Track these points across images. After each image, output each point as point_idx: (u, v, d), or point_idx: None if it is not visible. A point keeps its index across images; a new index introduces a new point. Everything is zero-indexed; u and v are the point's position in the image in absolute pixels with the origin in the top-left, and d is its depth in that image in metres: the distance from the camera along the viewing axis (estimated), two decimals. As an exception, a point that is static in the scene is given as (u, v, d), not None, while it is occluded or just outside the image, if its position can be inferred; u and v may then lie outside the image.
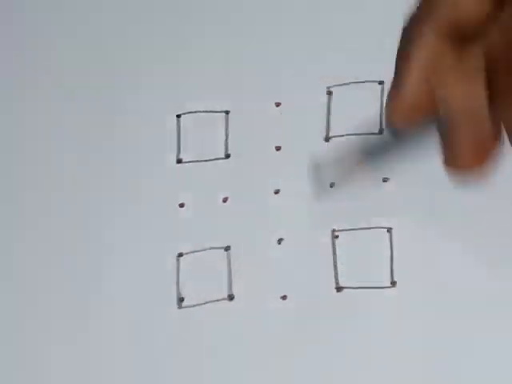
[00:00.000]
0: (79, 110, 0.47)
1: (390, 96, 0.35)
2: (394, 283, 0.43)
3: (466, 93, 0.34)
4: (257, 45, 0.46)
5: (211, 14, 0.47)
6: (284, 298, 0.43)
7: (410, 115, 0.35)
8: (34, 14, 0.48)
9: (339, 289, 0.43)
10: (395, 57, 0.35)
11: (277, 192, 0.45)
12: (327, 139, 0.45)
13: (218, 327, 0.43)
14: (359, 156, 0.40)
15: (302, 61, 0.46)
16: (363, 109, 0.45)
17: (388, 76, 0.45)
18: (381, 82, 0.45)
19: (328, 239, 0.44)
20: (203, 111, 0.46)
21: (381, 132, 0.45)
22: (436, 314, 0.42)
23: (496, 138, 0.35)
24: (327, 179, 0.43)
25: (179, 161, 0.46)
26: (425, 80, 0.34)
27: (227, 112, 0.46)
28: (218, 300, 0.43)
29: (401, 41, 0.35)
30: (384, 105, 0.35)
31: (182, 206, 0.45)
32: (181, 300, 0.44)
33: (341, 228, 0.44)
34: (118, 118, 0.46)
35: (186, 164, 0.46)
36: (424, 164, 0.44)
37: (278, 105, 0.46)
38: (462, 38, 0.34)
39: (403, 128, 0.36)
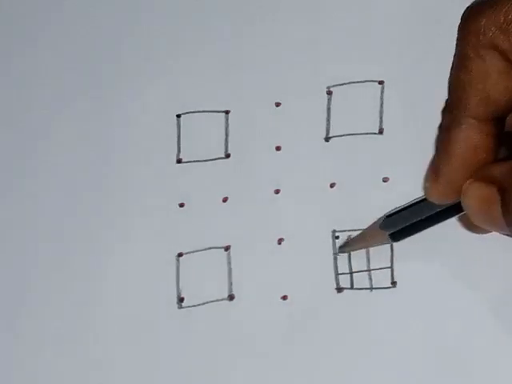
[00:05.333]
0: (79, 110, 0.46)
1: (429, 176, 0.36)
2: (394, 283, 0.43)
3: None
4: (257, 45, 0.46)
5: (211, 14, 0.47)
6: (284, 297, 0.43)
7: (447, 197, 0.36)
8: (34, 14, 0.48)
9: (339, 289, 0.43)
10: (436, 136, 0.36)
11: (277, 192, 0.45)
12: (327, 139, 0.45)
13: (218, 327, 0.43)
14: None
15: (302, 61, 0.46)
16: (363, 109, 0.45)
17: (388, 76, 0.45)
18: (381, 82, 0.45)
19: (328, 239, 0.44)
20: (203, 111, 0.46)
21: (381, 132, 0.45)
22: (436, 314, 0.42)
23: None
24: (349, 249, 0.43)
25: (179, 161, 0.46)
26: (464, 168, 0.35)
27: (227, 112, 0.46)
28: (217, 300, 0.43)
29: (440, 125, 0.36)
30: (424, 180, 0.36)
31: (181, 205, 0.45)
32: (181, 300, 0.44)
33: (341, 228, 0.44)
34: (118, 118, 0.46)
35: (186, 164, 0.45)
36: (424, 164, 0.44)
37: (277, 105, 0.46)
38: (496, 115, 0.34)
39: (442, 203, 0.37)
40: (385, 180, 0.44)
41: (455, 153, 0.35)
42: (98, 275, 0.44)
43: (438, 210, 0.38)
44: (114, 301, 0.44)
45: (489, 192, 0.34)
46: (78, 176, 0.46)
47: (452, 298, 0.42)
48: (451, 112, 0.35)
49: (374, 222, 0.41)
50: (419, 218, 0.39)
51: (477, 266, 0.42)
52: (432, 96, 0.44)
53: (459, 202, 0.36)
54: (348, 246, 0.43)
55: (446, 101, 0.36)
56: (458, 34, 0.35)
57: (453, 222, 0.42)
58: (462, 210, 0.36)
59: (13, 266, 0.45)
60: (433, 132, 0.44)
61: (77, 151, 0.46)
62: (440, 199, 0.36)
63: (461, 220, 0.39)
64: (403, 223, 0.39)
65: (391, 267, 0.43)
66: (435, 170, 0.36)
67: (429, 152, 0.44)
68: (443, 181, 0.36)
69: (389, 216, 0.40)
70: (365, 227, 0.43)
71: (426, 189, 0.37)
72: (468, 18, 0.35)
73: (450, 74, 0.35)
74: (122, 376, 0.43)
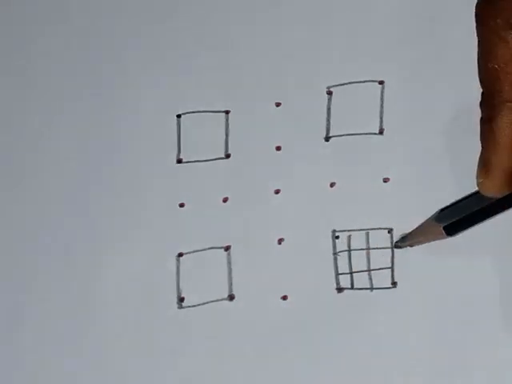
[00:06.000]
0: (79, 110, 0.47)
1: (480, 172, 0.35)
2: (394, 283, 0.43)
3: None
4: (257, 45, 0.46)
5: (211, 14, 0.47)
6: (284, 298, 0.43)
7: (504, 188, 0.35)
8: (34, 14, 0.48)
9: (340, 289, 0.43)
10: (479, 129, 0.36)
11: (277, 192, 0.45)
12: (327, 139, 0.45)
13: (218, 327, 0.43)
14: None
15: (302, 61, 0.46)
16: (363, 109, 0.45)
17: (388, 76, 0.45)
18: (381, 82, 0.45)
19: (328, 239, 0.44)
20: (203, 111, 0.46)
21: (381, 132, 0.45)
22: (436, 314, 0.42)
23: None
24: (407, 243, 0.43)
25: (179, 161, 0.46)
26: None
27: (227, 112, 0.46)
28: (217, 300, 0.43)
29: (481, 118, 0.36)
30: (476, 177, 0.36)
31: (182, 205, 0.45)
32: (181, 300, 0.44)
33: (341, 228, 0.44)
34: (118, 117, 0.46)
35: (186, 164, 0.45)
36: (424, 164, 0.44)
37: (278, 105, 0.46)
38: None
39: (497, 196, 0.36)
40: (385, 180, 0.44)
41: (501, 141, 0.34)
42: (98, 275, 0.44)
43: (491, 201, 0.37)
44: (114, 301, 0.44)
45: None
46: (78, 176, 0.46)
47: (452, 298, 0.42)
48: (488, 102, 0.35)
49: (431, 216, 0.40)
50: (474, 210, 0.38)
51: (477, 266, 0.42)
52: (432, 96, 0.44)
53: None
54: (405, 241, 0.42)
55: (482, 94, 0.35)
56: (476, 21, 0.35)
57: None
58: None
59: (13, 265, 0.45)
60: (433, 132, 0.44)
61: (77, 151, 0.46)
62: (496, 192, 0.35)
63: None
64: (458, 216, 0.39)
65: (391, 267, 0.43)
66: (485, 164, 0.35)
67: (429, 152, 0.44)
68: (495, 173, 0.35)
69: (443, 209, 0.39)
70: (365, 227, 0.43)
71: (479, 185, 0.36)
72: (482, 3, 0.34)
73: (478, 64, 0.35)
74: (122, 376, 0.43)
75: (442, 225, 0.39)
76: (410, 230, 0.42)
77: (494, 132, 0.34)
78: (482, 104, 0.35)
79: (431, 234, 0.40)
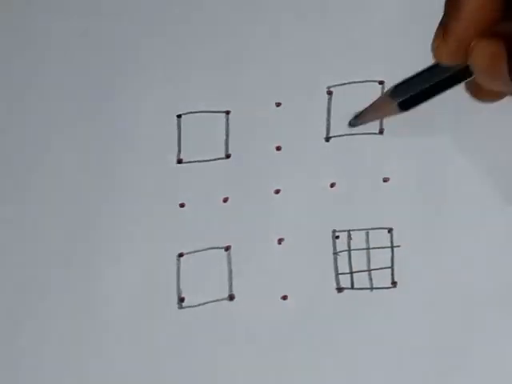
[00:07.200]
0: (79, 110, 0.47)
1: (437, 35, 0.36)
2: (394, 283, 0.43)
3: None
4: (257, 45, 0.46)
5: (211, 14, 0.47)
6: (284, 298, 0.43)
7: (455, 57, 0.35)
8: (34, 14, 0.48)
9: (340, 289, 0.43)
10: None
11: (277, 192, 0.45)
12: (327, 139, 0.45)
13: (218, 327, 0.43)
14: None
15: (302, 61, 0.46)
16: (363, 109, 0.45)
17: (388, 76, 0.45)
18: (381, 82, 0.45)
19: (328, 239, 0.44)
20: (203, 111, 0.46)
21: (381, 132, 0.45)
22: (436, 314, 0.42)
23: None
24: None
25: (179, 161, 0.46)
26: (472, 26, 0.35)
27: (227, 112, 0.46)
28: (217, 300, 0.43)
29: None
30: (432, 40, 0.36)
31: (182, 205, 0.45)
32: (181, 300, 0.44)
33: (341, 228, 0.44)
34: (119, 118, 0.46)
35: (186, 164, 0.46)
36: (424, 164, 0.44)
37: (278, 105, 0.46)
38: None
39: (450, 64, 0.36)
40: (385, 180, 0.44)
41: (464, 10, 0.34)
42: (99, 275, 0.44)
43: (447, 75, 0.37)
44: (114, 301, 0.44)
45: (496, 48, 0.34)
46: (79, 176, 0.46)
47: (452, 297, 0.42)
48: None
49: (384, 92, 0.40)
50: (428, 85, 0.38)
51: (476, 266, 0.42)
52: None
53: (467, 67, 0.36)
54: (359, 119, 0.42)
55: None
56: None
57: (453, 223, 0.42)
58: (469, 75, 0.36)
59: (13, 265, 0.45)
60: (433, 132, 0.44)
61: (77, 151, 0.46)
62: (448, 59, 0.36)
63: (468, 89, 0.39)
64: (412, 91, 0.39)
65: (391, 267, 0.43)
66: (444, 29, 0.35)
67: (429, 152, 0.44)
68: (452, 39, 0.35)
69: (398, 85, 0.39)
70: (365, 227, 0.43)
71: (434, 48, 0.36)
72: None
73: None
74: (122, 376, 0.43)
75: (397, 100, 0.39)
76: (363, 108, 0.42)
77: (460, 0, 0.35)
78: None
79: (385, 110, 0.40)
